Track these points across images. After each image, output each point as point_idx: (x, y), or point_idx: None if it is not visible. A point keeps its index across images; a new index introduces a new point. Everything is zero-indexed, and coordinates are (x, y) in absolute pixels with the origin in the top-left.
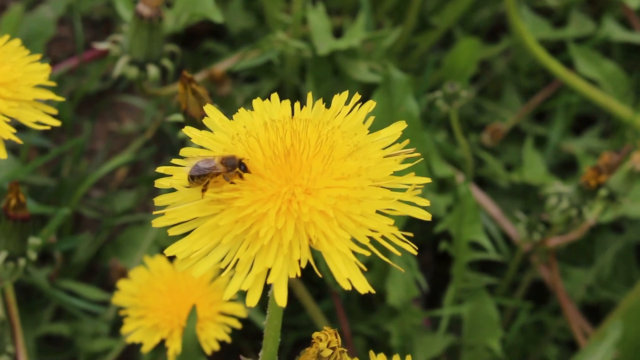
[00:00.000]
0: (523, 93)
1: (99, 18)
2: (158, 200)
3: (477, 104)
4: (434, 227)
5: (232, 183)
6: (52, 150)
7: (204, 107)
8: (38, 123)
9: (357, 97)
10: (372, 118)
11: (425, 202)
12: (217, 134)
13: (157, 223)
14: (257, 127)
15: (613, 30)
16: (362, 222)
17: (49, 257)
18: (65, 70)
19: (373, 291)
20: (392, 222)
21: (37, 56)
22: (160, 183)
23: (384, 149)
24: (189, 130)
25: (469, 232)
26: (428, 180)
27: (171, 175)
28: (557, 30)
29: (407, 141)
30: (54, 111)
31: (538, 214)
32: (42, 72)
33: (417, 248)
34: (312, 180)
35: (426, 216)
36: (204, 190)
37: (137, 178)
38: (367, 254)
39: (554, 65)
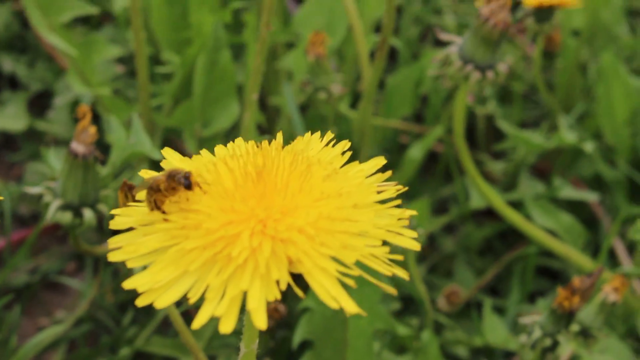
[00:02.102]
0: (475, 271)
1: (27, 213)
2: (113, 241)
3: (428, 281)
4: None
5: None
6: None
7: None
8: None
9: (330, 135)
10: (349, 154)
11: (413, 234)
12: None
13: (113, 257)
14: (224, 157)
15: (563, 188)
16: (347, 242)
17: None
18: None
19: (363, 312)
20: (379, 243)
21: None
22: (117, 223)
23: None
24: (145, 172)
25: None
26: (414, 212)
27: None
28: (507, 193)
29: (389, 173)
30: None
31: None
32: None
33: (407, 275)
34: (288, 199)
35: (415, 246)
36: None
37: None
38: (354, 273)
39: (513, 216)
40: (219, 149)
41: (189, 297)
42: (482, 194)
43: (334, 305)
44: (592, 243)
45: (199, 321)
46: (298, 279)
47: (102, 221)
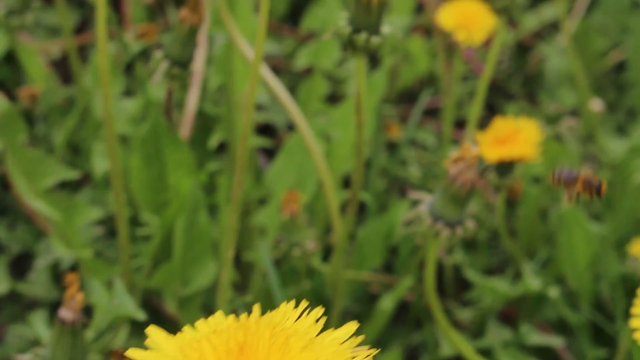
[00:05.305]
0: None
1: None
2: None
3: None
4: None
5: None
6: None
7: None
8: None
9: (304, 303)
10: (323, 319)
11: None
12: (163, 348)
13: None
14: (207, 334)
15: (530, 335)
16: None
17: None
18: None
19: None
20: None
21: None
22: None
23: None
24: (133, 352)
25: None
26: None
27: None
28: (476, 341)
29: (362, 337)
30: None
31: None
32: None
33: None
34: None
35: None
36: None
37: None
38: None
39: None
40: (200, 324)
41: None
42: (453, 344)
43: None
44: None
45: None
46: None
47: None
